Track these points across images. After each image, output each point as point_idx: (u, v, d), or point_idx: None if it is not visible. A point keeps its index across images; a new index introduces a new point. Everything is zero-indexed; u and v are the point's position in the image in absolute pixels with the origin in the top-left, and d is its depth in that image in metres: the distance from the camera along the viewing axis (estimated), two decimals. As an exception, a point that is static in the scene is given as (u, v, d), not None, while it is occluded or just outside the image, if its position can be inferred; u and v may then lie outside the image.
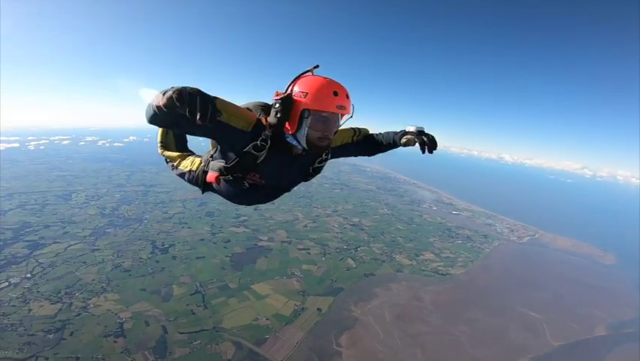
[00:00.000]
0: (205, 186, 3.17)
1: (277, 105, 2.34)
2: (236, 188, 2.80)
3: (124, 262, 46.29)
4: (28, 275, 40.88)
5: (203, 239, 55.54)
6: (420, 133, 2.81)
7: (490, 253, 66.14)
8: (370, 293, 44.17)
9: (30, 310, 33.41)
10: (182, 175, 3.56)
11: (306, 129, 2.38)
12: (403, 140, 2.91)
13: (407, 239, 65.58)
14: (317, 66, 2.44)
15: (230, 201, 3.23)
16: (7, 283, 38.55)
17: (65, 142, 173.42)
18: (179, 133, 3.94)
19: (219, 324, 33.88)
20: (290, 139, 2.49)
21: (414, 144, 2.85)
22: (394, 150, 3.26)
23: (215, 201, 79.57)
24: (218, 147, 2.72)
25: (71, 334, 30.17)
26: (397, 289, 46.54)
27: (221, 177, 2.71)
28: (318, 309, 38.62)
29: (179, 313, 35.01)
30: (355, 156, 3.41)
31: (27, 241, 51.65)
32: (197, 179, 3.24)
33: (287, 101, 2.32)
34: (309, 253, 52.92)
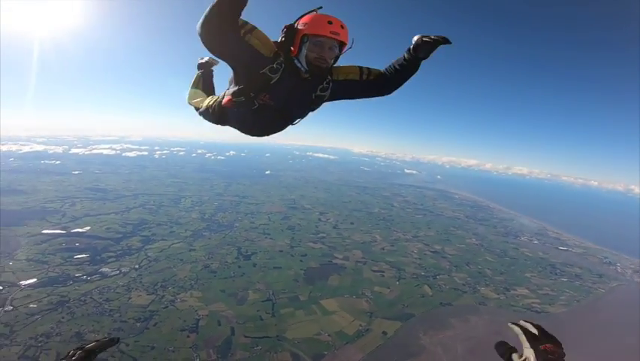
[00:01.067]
0: (221, 115, 3.52)
1: (283, 32, 2.84)
2: (247, 109, 3.09)
3: (212, 263, 50.19)
4: (137, 266, 47.02)
5: (282, 251, 57.31)
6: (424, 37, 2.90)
7: (604, 294, 54.95)
8: (444, 323, 39.82)
9: (130, 298, 38.01)
10: (203, 113, 3.86)
11: (305, 51, 2.80)
12: (416, 41, 2.92)
13: (497, 272, 58.00)
14: (320, 7, 2.86)
15: (243, 129, 3.54)
16: (118, 272, 44.84)
17: (181, 153, 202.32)
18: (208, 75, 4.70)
19: (283, 333, 33.95)
20: (296, 62, 2.87)
21: (429, 44, 2.85)
22: (412, 72, 3.18)
23: (297, 216, 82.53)
24: (234, 81, 3.10)
25: (155, 324, 33.23)
26: (476, 322, 41.07)
27: (234, 99, 3.05)
28: (384, 332, 36.17)
29: (249, 318, 36.05)
30: (368, 96, 3.48)
31: (142, 235, 59.98)
32: (214, 107, 3.57)
33: (290, 30, 2.81)
34: (383, 276, 50.36)
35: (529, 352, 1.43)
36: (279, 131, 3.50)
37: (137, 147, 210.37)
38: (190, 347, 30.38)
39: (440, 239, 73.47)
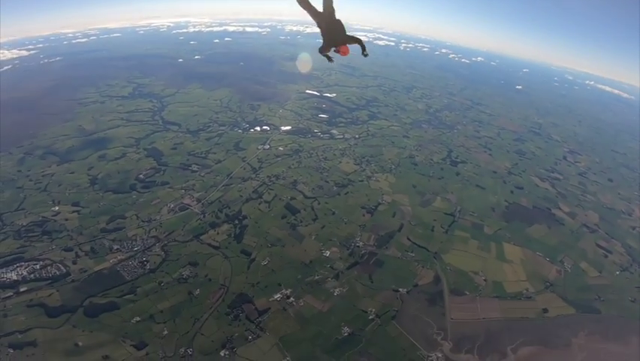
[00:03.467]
0: None
1: None
2: None
3: (417, 156, 48.25)
4: (356, 136, 50.83)
5: (496, 172, 48.09)
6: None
7: None
8: (626, 334, 27.78)
9: (340, 162, 41.98)
10: None
11: None
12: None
13: None
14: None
15: None
16: (342, 137, 49.79)
17: (425, 49, 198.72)
18: None
19: (442, 253, 30.44)
20: None
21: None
22: None
23: (534, 143, 65.90)
24: None
25: (346, 193, 35.84)
26: None
27: None
28: (544, 310, 27.70)
29: (422, 223, 33.52)
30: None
31: (370, 111, 63.84)
32: None
33: None
34: (606, 257, 35.43)
35: None
36: None
37: (386, 37, 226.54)
38: (359, 225, 31.51)
39: None
